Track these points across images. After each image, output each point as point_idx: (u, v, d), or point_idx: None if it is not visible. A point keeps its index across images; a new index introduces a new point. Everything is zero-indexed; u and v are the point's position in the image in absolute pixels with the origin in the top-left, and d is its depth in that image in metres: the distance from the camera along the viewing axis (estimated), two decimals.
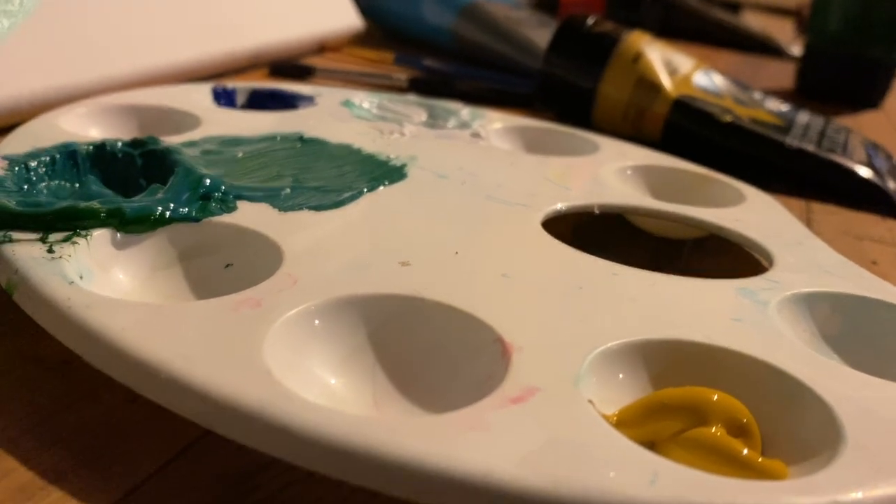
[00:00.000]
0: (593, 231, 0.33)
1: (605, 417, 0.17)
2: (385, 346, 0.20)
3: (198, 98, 0.36)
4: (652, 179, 0.35)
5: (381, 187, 0.28)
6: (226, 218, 0.24)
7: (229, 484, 0.17)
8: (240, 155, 0.30)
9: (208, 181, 0.25)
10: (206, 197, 0.25)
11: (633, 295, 0.23)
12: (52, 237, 0.22)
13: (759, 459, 0.17)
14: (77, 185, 0.26)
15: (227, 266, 0.23)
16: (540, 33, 0.60)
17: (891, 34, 0.63)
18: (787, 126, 0.46)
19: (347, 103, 0.39)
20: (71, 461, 0.17)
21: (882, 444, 0.17)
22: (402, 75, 0.54)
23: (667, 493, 0.15)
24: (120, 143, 0.28)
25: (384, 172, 0.30)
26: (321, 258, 0.22)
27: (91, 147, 0.27)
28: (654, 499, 0.15)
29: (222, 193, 0.25)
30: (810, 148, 0.43)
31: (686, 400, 0.18)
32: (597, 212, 0.30)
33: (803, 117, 0.49)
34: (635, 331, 0.20)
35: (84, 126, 0.32)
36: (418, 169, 0.31)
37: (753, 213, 0.31)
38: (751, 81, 0.65)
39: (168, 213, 0.24)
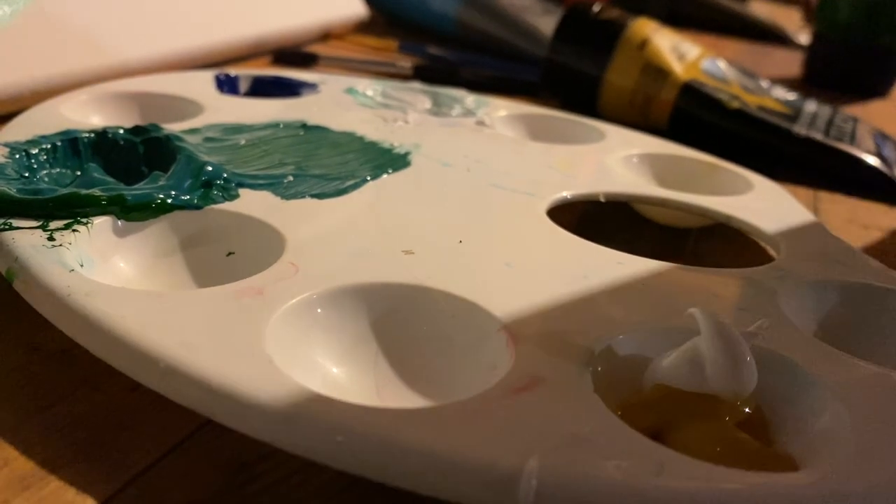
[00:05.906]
0: (599, 220, 0.33)
1: (611, 408, 0.17)
2: (388, 336, 0.20)
3: (200, 85, 0.36)
4: (658, 168, 0.35)
5: (385, 175, 0.28)
6: (228, 206, 0.24)
7: (230, 473, 0.17)
8: (242, 142, 0.29)
9: (210, 168, 0.25)
10: (208, 184, 0.25)
11: (639, 284, 0.22)
12: (53, 225, 0.21)
13: (767, 451, 0.17)
14: (78, 172, 0.26)
15: (229, 254, 0.23)
16: (545, 20, 0.60)
17: None
18: (794, 114, 0.45)
19: (351, 91, 0.38)
20: (71, 450, 0.17)
21: (890, 435, 0.17)
22: (406, 63, 0.54)
23: (673, 484, 0.15)
24: (122, 131, 0.28)
25: (388, 160, 0.30)
26: (324, 246, 0.22)
27: (92, 134, 0.27)
28: (660, 490, 0.14)
29: (224, 181, 0.25)
30: (818, 136, 0.43)
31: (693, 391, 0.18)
32: (602, 200, 0.30)
33: (811, 106, 0.49)
34: (641, 321, 0.20)
35: (86, 113, 0.31)
36: (422, 157, 0.30)
37: (760, 202, 0.31)
38: (758, 70, 0.65)
39: (170, 201, 0.23)
